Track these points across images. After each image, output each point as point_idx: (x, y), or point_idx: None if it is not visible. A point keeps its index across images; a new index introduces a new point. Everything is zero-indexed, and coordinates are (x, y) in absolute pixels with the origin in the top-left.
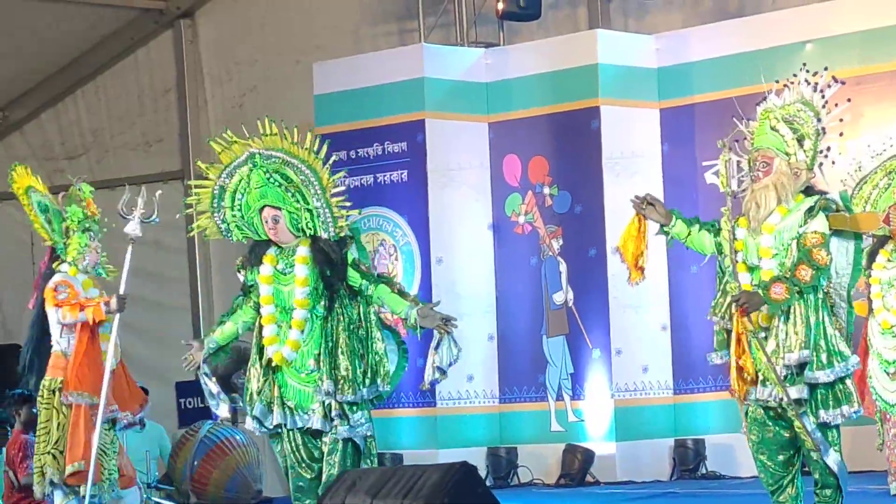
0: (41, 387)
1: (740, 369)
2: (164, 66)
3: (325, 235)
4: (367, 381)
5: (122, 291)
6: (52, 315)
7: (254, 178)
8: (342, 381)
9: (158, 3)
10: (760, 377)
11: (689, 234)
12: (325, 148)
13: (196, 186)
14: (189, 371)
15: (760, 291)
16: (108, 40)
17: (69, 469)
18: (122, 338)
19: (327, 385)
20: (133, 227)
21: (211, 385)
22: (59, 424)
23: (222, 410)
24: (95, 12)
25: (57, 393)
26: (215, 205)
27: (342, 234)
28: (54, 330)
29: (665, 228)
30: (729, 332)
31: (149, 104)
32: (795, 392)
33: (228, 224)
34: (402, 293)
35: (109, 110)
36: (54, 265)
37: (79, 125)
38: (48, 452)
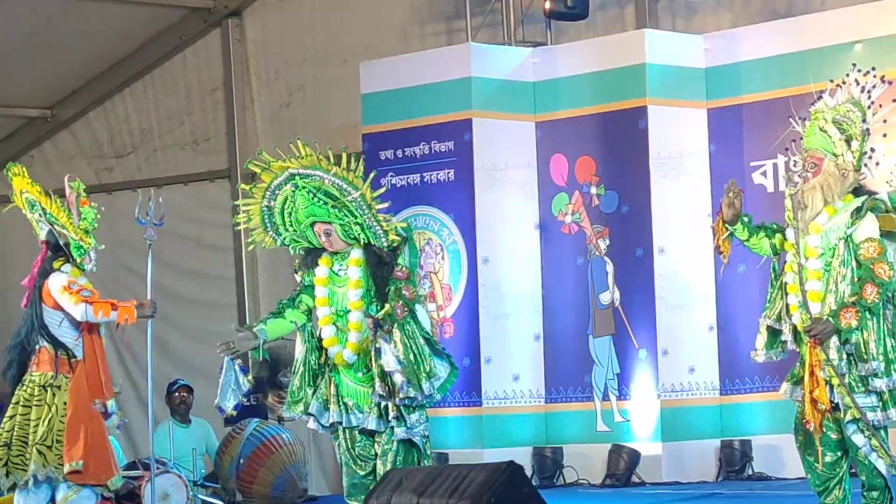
0: (29, 382)
1: (814, 401)
2: (211, 65)
3: (379, 245)
4: (420, 384)
5: (149, 296)
6: (69, 311)
7: (299, 198)
8: (419, 383)
9: (206, 2)
10: (835, 402)
11: (749, 237)
12: (361, 165)
13: (243, 205)
14: (222, 355)
15: (831, 319)
16: (157, 39)
17: (69, 467)
18: (168, 335)
19: (379, 387)
20: (150, 233)
21: (242, 378)
22: (48, 419)
23: (229, 405)
24: (144, 11)
25: (49, 389)
26: (266, 223)
27: (395, 245)
28: (57, 326)
29: (728, 226)
30: (774, 330)
31: (196, 103)
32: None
33: (283, 238)
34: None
35: (157, 109)
36: (55, 264)
37: (127, 124)
38: (34, 446)
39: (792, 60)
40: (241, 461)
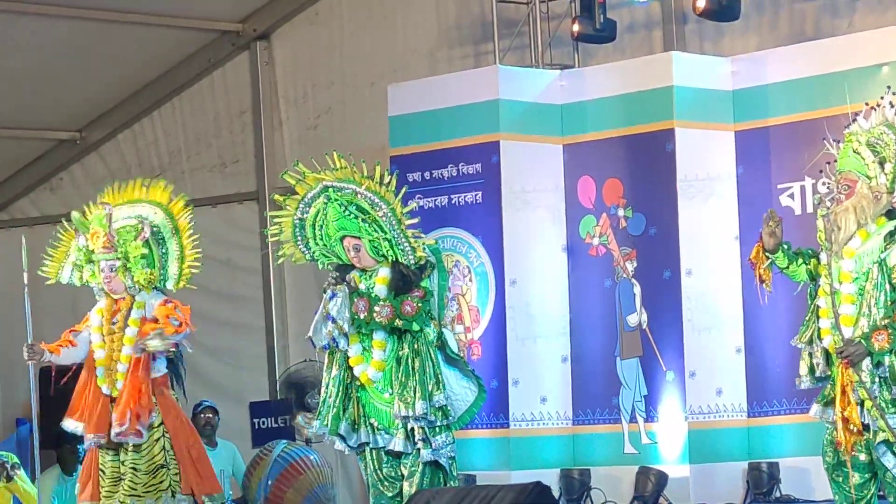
0: None
1: (846, 420)
2: (240, 87)
3: (405, 262)
4: (413, 402)
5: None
6: None
7: (330, 211)
8: (412, 403)
9: (235, 26)
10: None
11: (788, 265)
12: (394, 179)
13: (275, 217)
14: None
15: (863, 342)
16: (186, 62)
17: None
18: (197, 356)
19: (397, 408)
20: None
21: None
22: None
23: (321, 338)
24: (173, 35)
25: None
26: (297, 235)
27: (422, 263)
28: None
29: (769, 254)
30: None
31: (225, 125)
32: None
33: (313, 252)
34: None
35: (186, 131)
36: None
37: (156, 146)
38: None
39: (820, 83)
40: (269, 482)
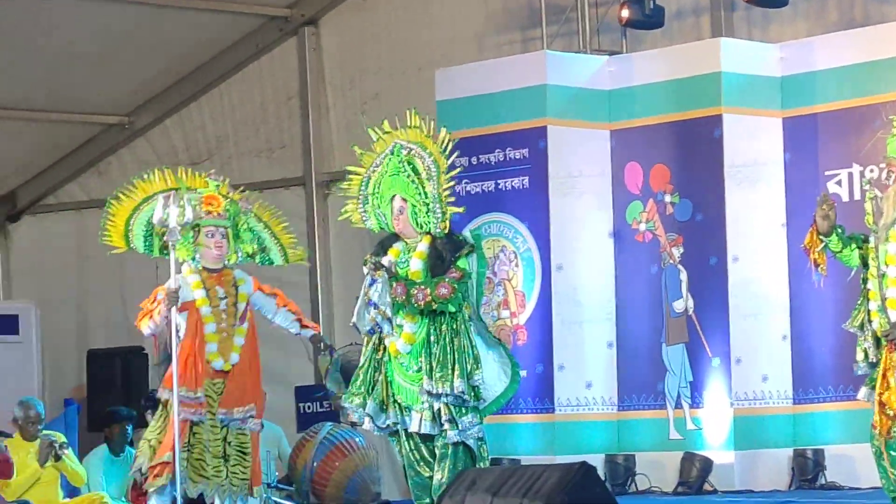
0: None
1: (882, 405)
2: (287, 73)
3: (432, 229)
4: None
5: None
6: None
7: (390, 164)
8: (450, 379)
9: (283, 11)
10: None
11: (842, 249)
12: (450, 144)
13: (351, 173)
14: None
15: None
16: (233, 47)
17: None
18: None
19: (426, 384)
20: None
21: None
22: None
23: (364, 324)
24: (221, 20)
25: None
26: (361, 192)
27: (446, 231)
28: None
29: (822, 238)
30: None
31: (272, 111)
32: None
33: (368, 212)
34: None
35: (233, 117)
36: None
37: (203, 131)
38: None
39: (868, 69)
40: (315, 464)
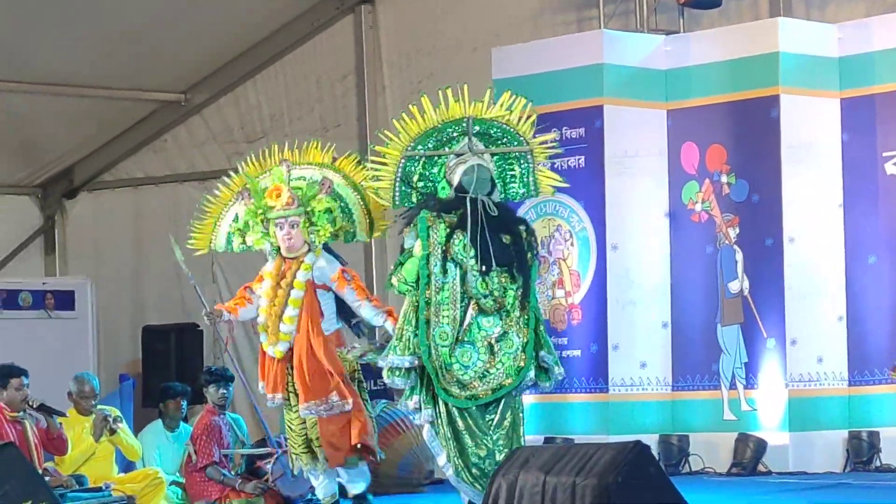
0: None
1: None
2: (343, 51)
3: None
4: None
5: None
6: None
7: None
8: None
9: None
10: None
11: None
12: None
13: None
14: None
15: None
16: (289, 26)
17: None
18: None
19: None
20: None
21: None
22: None
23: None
24: None
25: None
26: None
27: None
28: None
29: None
30: None
31: (327, 89)
32: None
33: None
34: None
35: (288, 95)
36: None
37: (258, 109)
38: None
39: None
40: None
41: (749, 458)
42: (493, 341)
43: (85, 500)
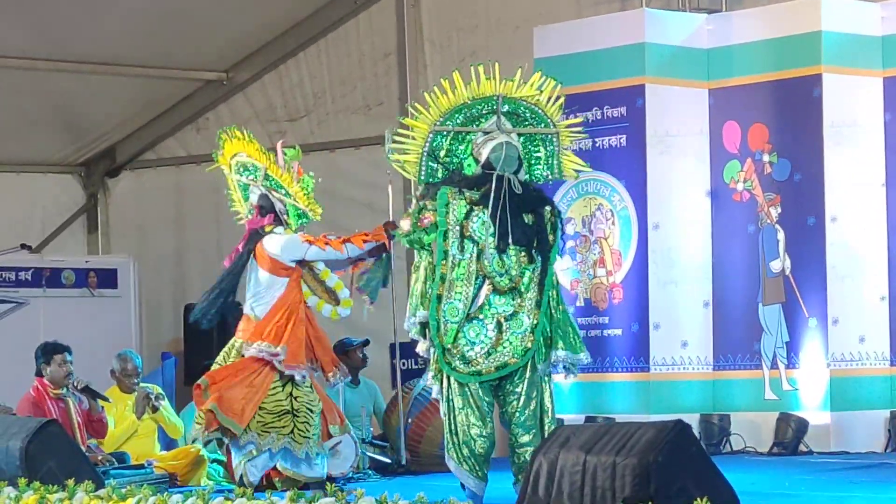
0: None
1: None
2: (385, 30)
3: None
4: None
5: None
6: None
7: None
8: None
9: None
10: None
11: None
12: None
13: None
14: None
15: None
16: (332, 4)
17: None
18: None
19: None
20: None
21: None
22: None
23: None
24: None
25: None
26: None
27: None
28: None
29: None
30: None
31: (369, 68)
32: None
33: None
34: None
35: (331, 73)
36: (267, 227)
37: (301, 88)
38: None
39: None
40: (409, 421)
41: (790, 437)
42: (502, 319)
43: (127, 478)
